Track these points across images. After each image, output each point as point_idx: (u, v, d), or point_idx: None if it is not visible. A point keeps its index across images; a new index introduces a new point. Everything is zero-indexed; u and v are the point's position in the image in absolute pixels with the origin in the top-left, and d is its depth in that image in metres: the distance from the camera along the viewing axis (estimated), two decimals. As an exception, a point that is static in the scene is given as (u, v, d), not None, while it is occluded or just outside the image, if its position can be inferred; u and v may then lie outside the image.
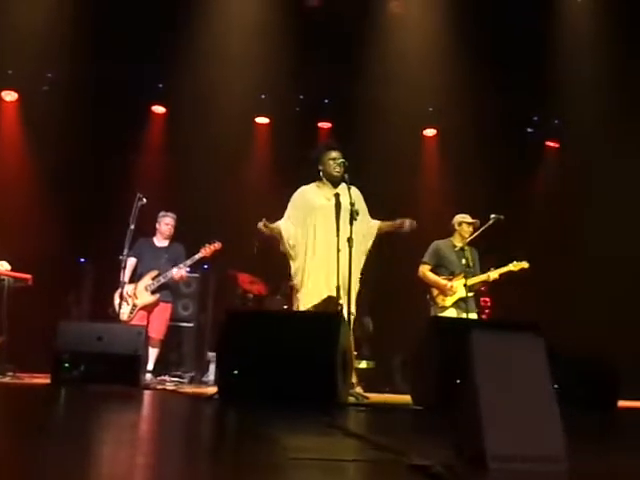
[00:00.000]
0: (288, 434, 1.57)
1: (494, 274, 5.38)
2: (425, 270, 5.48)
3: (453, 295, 5.34)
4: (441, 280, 5.38)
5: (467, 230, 5.44)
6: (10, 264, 4.98)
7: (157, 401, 3.26)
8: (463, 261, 5.36)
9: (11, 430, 1.73)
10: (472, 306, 5.40)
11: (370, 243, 4.54)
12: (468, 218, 5.48)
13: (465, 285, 5.24)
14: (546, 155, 8.23)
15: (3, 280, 4.67)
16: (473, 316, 5.36)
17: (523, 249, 6.05)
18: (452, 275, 5.39)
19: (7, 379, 4.46)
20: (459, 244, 5.46)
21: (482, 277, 5.40)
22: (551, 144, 8.18)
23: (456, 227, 5.49)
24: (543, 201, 8.00)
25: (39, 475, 1.11)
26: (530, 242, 7.05)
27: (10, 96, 7.41)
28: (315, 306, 4.13)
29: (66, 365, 3.58)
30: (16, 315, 5.03)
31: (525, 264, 5.38)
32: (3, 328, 4.61)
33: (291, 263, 4.47)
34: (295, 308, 4.41)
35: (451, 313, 5.33)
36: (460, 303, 5.31)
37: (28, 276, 4.84)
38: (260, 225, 4.35)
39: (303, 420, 2.11)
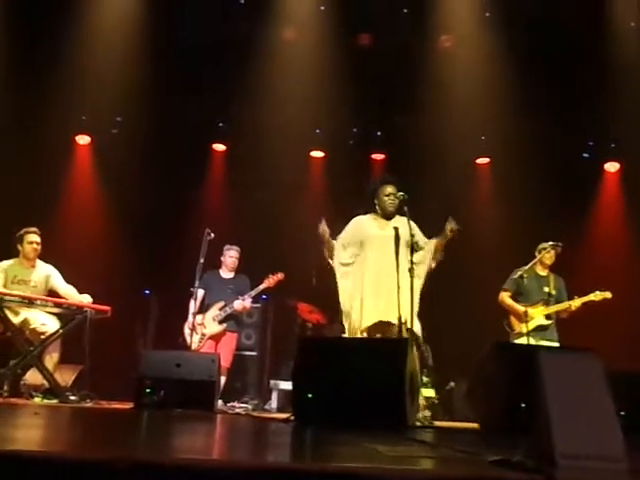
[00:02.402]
0: (375, 442, 1.73)
1: (576, 303, 5.38)
2: (504, 297, 5.59)
3: (530, 322, 5.41)
4: (517, 306, 5.46)
5: (548, 257, 5.51)
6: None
7: (235, 421, 3.49)
8: (545, 289, 5.44)
9: (112, 434, 1.96)
10: (553, 335, 5.43)
11: (428, 264, 4.64)
12: (547, 245, 5.53)
13: (545, 313, 5.34)
14: (605, 179, 8.16)
15: (86, 312, 5.00)
16: (552, 344, 5.34)
17: (584, 276, 6.03)
18: (528, 303, 5.45)
19: (89, 405, 4.74)
20: (541, 272, 5.55)
21: (564, 305, 5.42)
22: (609, 168, 8.10)
23: (537, 254, 5.55)
24: (603, 227, 7.91)
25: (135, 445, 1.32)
26: (591, 268, 6.98)
27: (83, 140, 7.95)
28: (368, 329, 4.30)
29: (148, 390, 3.86)
30: (91, 345, 5.36)
31: (608, 294, 5.39)
32: (85, 357, 4.92)
33: (338, 280, 4.64)
34: (347, 332, 4.57)
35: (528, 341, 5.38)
36: (538, 331, 5.37)
37: (107, 308, 5.16)
38: (321, 227, 4.53)
39: (382, 436, 2.26)
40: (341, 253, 4.64)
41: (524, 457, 1.20)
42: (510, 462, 1.16)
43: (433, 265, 4.64)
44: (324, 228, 4.54)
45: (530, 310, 5.42)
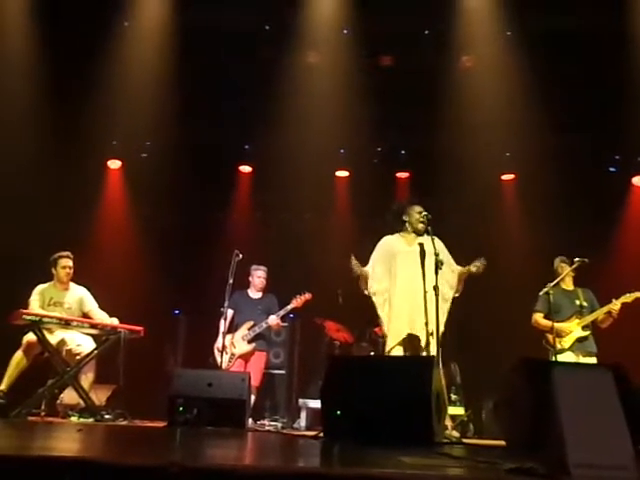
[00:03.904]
0: (401, 455, 1.80)
1: (617, 305, 5.33)
2: (537, 318, 5.62)
3: (567, 337, 5.41)
4: (550, 323, 5.46)
5: (570, 272, 5.55)
6: (117, 317, 5.48)
7: (265, 437, 3.56)
8: (576, 302, 5.47)
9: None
10: (591, 347, 5.44)
11: (454, 291, 4.70)
12: (566, 260, 5.58)
13: (581, 324, 5.39)
14: (632, 193, 8.08)
15: (120, 332, 5.14)
16: (591, 359, 5.36)
17: (614, 289, 5.98)
18: (562, 318, 5.46)
19: (123, 423, 4.86)
20: (567, 287, 5.59)
21: (604, 309, 5.41)
22: (637, 182, 7.99)
23: (559, 270, 5.59)
24: (631, 241, 7.82)
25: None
26: (621, 283, 6.90)
27: (114, 164, 8.20)
28: (400, 343, 4.34)
29: (181, 409, 3.96)
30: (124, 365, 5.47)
31: (638, 293, 5.34)
32: (119, 377, 5.05)
33: (377, 308, 4.71)
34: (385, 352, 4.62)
35: (569, 356, 5.38)
36: (578, 344, 5.40)
37: (140, 328, 5.30)
38: (352, 263, 4.60)
39: (409, 451, 2.32)
40: (373, 285, 4.70)
41: (538, 465, 1.25)
42: (524, 469, 1.22)
43: (456, 294, 4.70)
44: (355, 263, 4.62)
45: (565, 325, 5.44)
